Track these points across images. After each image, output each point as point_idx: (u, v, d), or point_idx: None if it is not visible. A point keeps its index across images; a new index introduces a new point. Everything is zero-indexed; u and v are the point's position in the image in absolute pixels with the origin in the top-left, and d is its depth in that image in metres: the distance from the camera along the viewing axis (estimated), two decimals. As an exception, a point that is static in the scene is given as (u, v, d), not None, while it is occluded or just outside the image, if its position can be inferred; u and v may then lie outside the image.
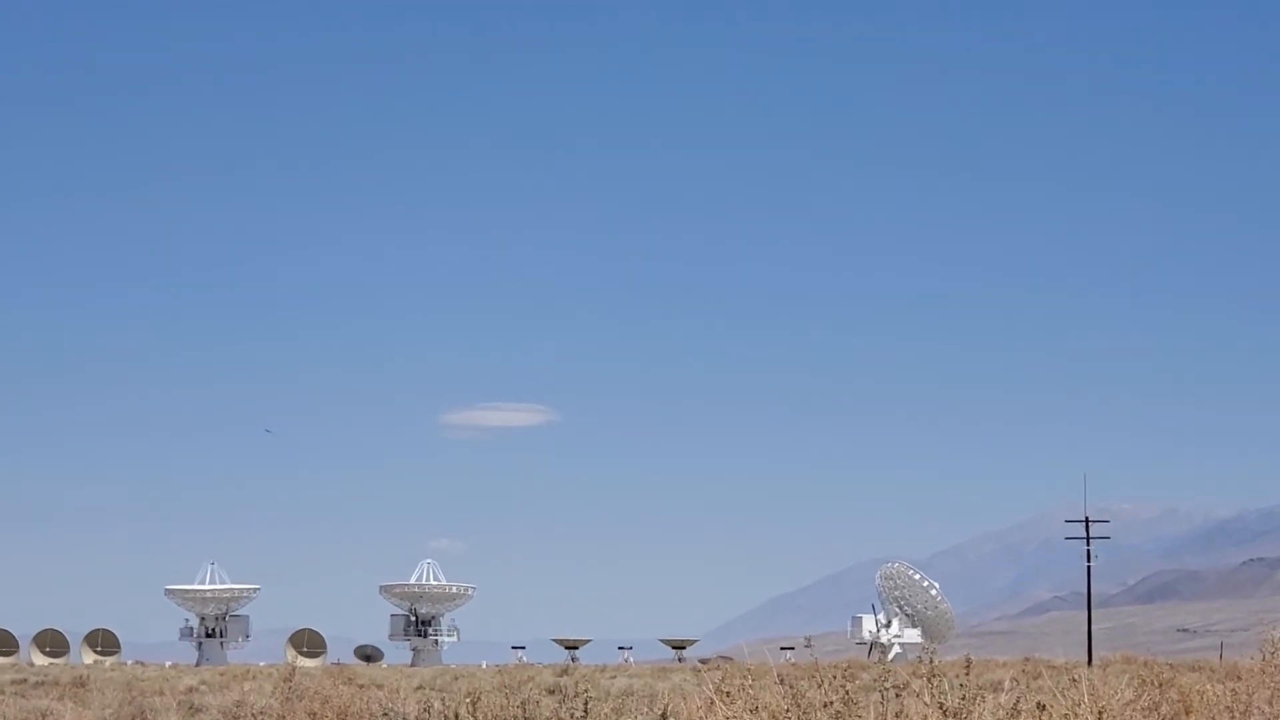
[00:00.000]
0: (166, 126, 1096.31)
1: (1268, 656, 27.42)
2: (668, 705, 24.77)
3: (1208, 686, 28.87)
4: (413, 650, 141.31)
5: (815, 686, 21.18)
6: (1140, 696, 24.56)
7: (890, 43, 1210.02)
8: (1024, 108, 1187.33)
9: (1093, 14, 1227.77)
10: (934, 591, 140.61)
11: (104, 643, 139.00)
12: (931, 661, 21.42)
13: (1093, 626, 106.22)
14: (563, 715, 24.62)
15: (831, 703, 20.51)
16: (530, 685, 60.96)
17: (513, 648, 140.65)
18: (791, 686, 21.28)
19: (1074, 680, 23.82)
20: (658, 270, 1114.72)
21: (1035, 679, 46.22)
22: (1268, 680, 26.64)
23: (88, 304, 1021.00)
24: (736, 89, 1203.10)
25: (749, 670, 22.29)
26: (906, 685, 22.76)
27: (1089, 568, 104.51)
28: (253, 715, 39.22)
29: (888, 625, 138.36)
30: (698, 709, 22.43)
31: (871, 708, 21.35)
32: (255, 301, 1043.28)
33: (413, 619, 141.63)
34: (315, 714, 33.98)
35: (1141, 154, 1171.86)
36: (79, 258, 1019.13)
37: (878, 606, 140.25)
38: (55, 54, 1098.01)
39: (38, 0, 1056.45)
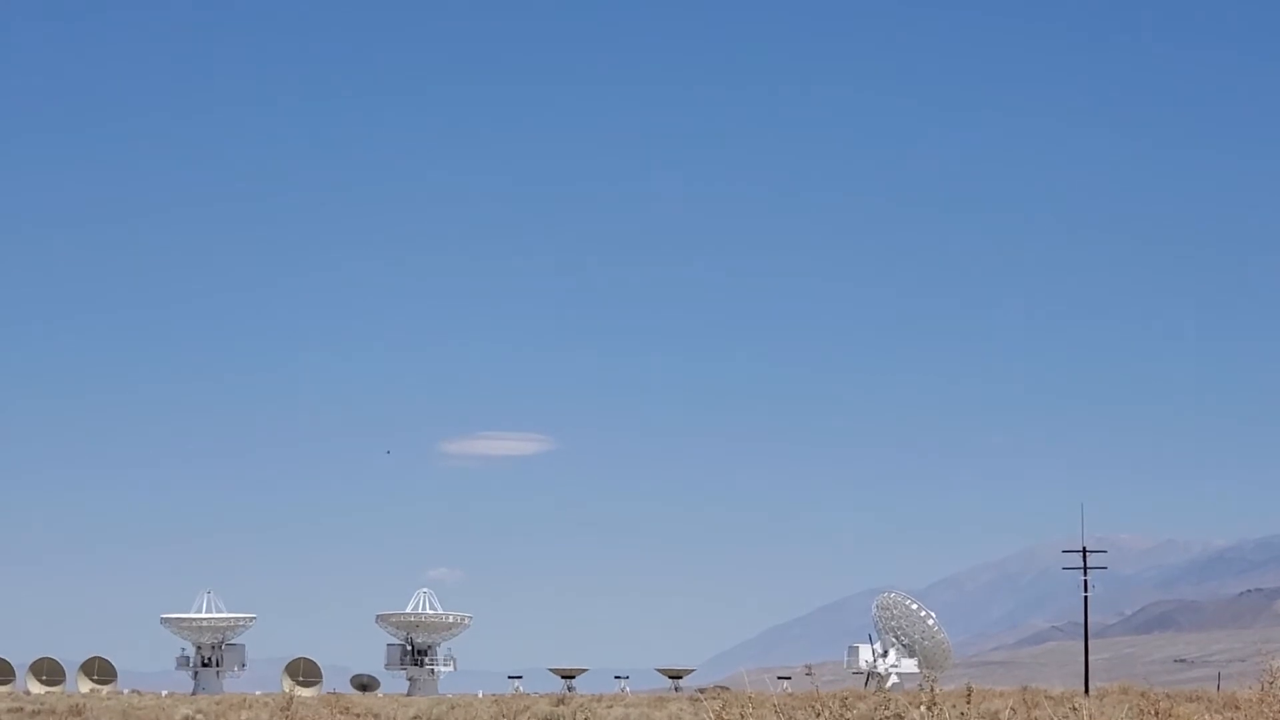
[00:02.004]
0: (173, 152, 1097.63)
1: (1266, 687, 27.42)
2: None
3: (1205, 717, 28.87)
4: (409, 679, 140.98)
5: (814, 716, 21.17)
6: (1139, 726, 24.55)
7: (880, 63, 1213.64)
8: (1014, 138, 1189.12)
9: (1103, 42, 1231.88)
10: (931, 621, 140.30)
11: (100, 671, 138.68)
12: (932, 689, 21.40)
13: (1090, 657, 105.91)
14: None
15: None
16: (527, 715, 60.93)
17: (509, 677, 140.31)
18: (790, 716, 21.27)
19: (1074, 709, 23.84)
20: (657, 300, 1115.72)
21: (1034, 709, 46.15)
22: (1265, 710, 26.64)
23: (84, 331, 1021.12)
24: (737, 123, 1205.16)
25: (749, 699, 22.26)
26: (906, 715, 22.74)
27: (1086, 598, 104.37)
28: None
29: (884, 655, 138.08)
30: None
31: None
32: (253, 330, 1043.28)
33: (409, 648, 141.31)
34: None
35: (1139, 186, 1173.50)
36: (77, 287, 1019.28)
37: (874, 636, 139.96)
38: (66, 82, 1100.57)
39: (37, 27, 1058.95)
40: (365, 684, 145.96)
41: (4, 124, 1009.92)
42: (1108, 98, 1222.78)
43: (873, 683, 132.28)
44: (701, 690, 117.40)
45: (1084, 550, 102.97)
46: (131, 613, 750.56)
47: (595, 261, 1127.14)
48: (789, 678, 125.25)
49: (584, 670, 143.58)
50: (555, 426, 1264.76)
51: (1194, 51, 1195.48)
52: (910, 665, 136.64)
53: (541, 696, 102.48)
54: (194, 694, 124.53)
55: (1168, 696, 58.08)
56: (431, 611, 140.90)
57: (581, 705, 73.46)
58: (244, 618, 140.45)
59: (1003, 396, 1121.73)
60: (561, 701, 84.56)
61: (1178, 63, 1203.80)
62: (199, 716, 66.76)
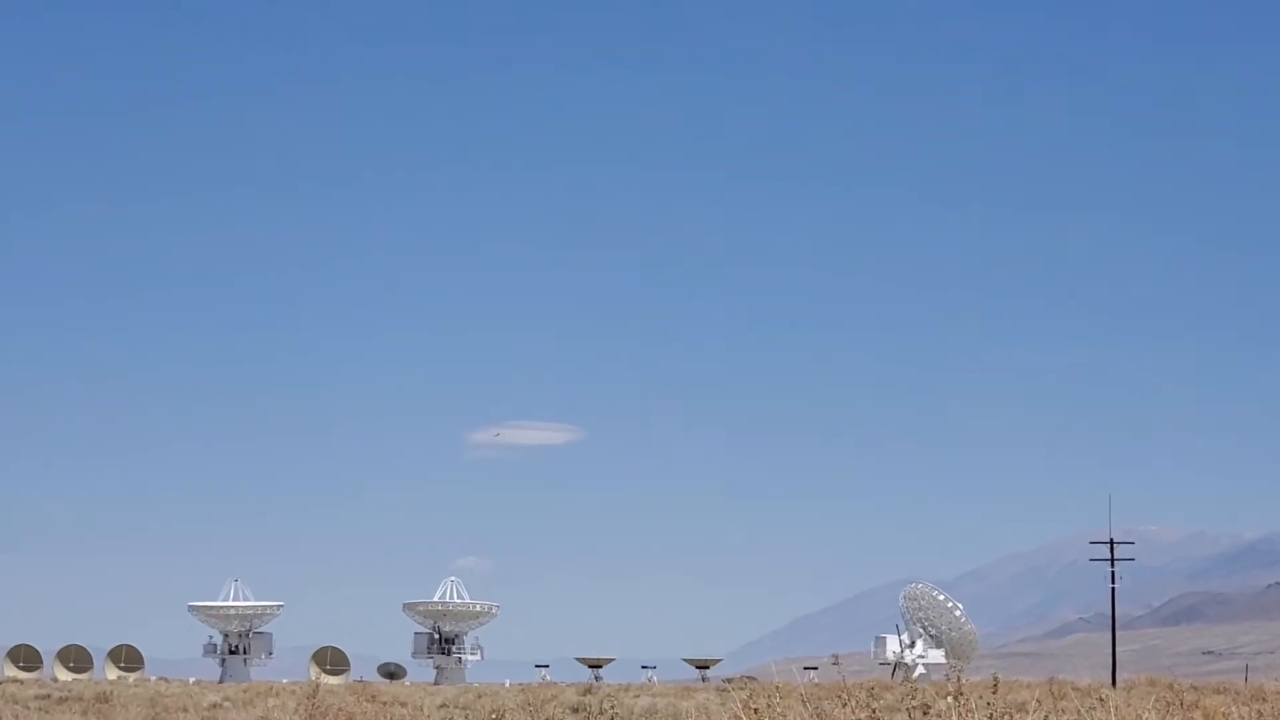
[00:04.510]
0: (200, 139, 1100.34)
1: (1294, 679, 27.35)
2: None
3: (1233, 709, 28.76)
4: (436, 668, 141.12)
5: (841, 706, 21.14)
6: (1165, 718, 24.48)
7: (881, 64, 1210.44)
8: (1032, 133, 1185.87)
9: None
10: (958, 612, 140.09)
11: (127, 659, 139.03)
12: (959, 680, 21.36)
13: (1117, 648, 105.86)
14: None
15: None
16: (553, 704, 60.99)
17: (536, 666, 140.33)
18: (816, 706, 21.24)
19: (1101, 700, 23.77)
20: (686, 291, 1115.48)
21: (1060, 700, 46.04)
22: (1294, 702, 26.54)
23: (112, 318, 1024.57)
24: (760, 124, 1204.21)
25: (776, 689, 22.23)
26: (933, 705, 22.70)
27: (1114, 589, 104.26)
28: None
29: (911, 646, 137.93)
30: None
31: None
32: (281, 317, 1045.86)
33: (436, 637, 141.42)
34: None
35: (1171, 177, 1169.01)
36: (104, 273, 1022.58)
37: (902, 627, 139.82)
38: (85, 72, 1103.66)
39: (47, 17, 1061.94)
40: (392, 672, 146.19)
41: (7, 121, 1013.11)
42: (1121, 93, 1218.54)
43: (899, 673, 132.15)
44: (728, 680, 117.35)
45: (1111, 542, 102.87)
46: (159, 600, 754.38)
47: (625, 253, 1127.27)
48: (815, 668, 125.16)
49: (611, 660, 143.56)
50: (583, 416, 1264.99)
51: (1200, 50, 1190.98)
52: (937, 656, 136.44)
53: (568, 686, 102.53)
54: (221, 682, 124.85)
55: (1195, 689, 57.92)
56: (459, 600, 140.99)
57: (608, 695, 73.53)
58: (271, 606, 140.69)
59: (1031, 388, 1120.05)
60: (588, 691, 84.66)
61: (1181, 61, 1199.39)
62: (226, 704, 66.96)
